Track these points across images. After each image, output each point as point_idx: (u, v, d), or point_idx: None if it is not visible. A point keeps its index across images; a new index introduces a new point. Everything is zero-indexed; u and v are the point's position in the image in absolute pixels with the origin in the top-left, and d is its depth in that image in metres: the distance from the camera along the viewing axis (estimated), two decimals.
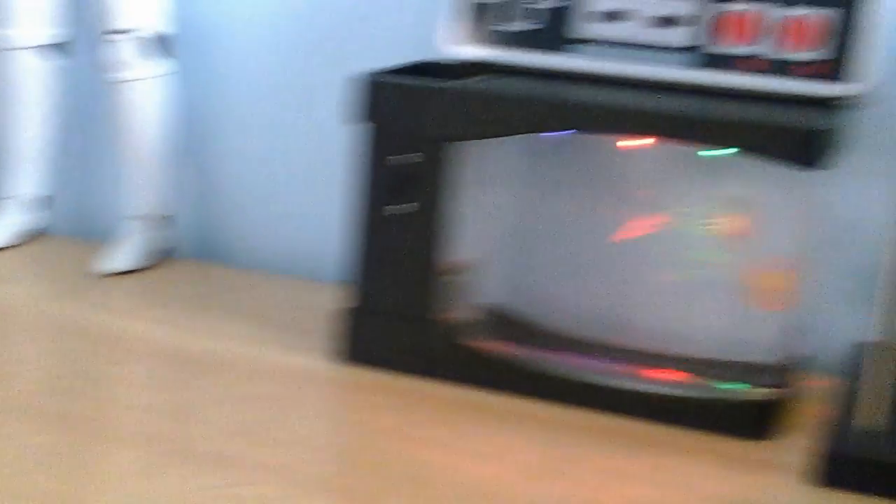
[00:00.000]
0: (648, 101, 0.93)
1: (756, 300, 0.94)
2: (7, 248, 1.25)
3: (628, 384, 0.94)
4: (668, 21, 0.98)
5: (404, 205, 0.96)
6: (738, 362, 0.95)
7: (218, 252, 1.31)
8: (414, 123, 0.95)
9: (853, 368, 0.97)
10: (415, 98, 0.95)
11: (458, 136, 0.94)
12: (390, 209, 0.97)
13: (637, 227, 0.97)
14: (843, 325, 1.05)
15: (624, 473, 0.84)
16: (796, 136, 0.86)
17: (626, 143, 0.95)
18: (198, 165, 1.29)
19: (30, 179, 1.26)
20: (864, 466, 0.82)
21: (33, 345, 1.06)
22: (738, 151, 0.87)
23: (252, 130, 1.26)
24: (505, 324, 1.03)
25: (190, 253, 1.29)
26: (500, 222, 1.02)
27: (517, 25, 1.01)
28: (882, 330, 0.83)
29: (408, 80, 0.96)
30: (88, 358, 1.00)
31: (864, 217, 1.03)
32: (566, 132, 0.93)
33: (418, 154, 0.95)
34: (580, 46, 1.00)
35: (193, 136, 1.28)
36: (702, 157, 0.92)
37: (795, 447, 0.89)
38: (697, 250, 0.96)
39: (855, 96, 0.93)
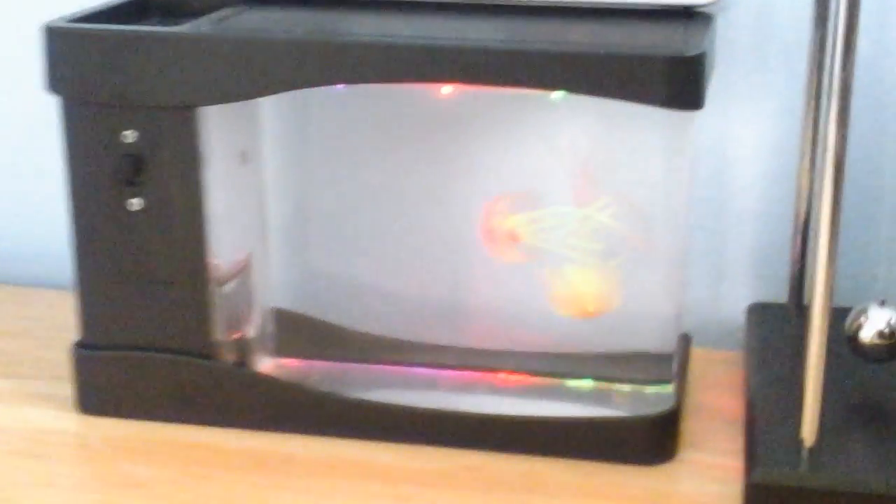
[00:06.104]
0: (447, 33, 0.69)
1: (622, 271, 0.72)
2: None
3: (480, 405, 0.70)
4: None
5: (129, 199, 0.70)
6: (615, 354, 0.73)
7: None
8: (120, 88, 0.68)
9: (756, 342, 0.76)
10: (116, 51, 0.68)
11: (186, 101, 0.68)
12: (109, 205, 0.71)
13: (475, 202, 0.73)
14: (728, 288, 0.85)
15: None
16: (657, 68, 0.62)
17: (445, 89, 0.71)
18: None
19: None
20: (806, 495, 0.62)
21: None
22: (578, 93, 0.63)
23: None
24: (301, 336, 0.78)
25: None
26: (281, 205, 0.77)
27: None
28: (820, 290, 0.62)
29: (105, 27, 0.69)
30: None
31: (732, 153, 0.83)
32: (334, 85, 0.67)
33: (131, 130, 0.69)
34: None
35: None
36: (554, 100, 0.68)
37: (706, 468, 0.68)
38: (549, 218, 0.73)
39: (710, 2, 0.70)
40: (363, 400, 0.71)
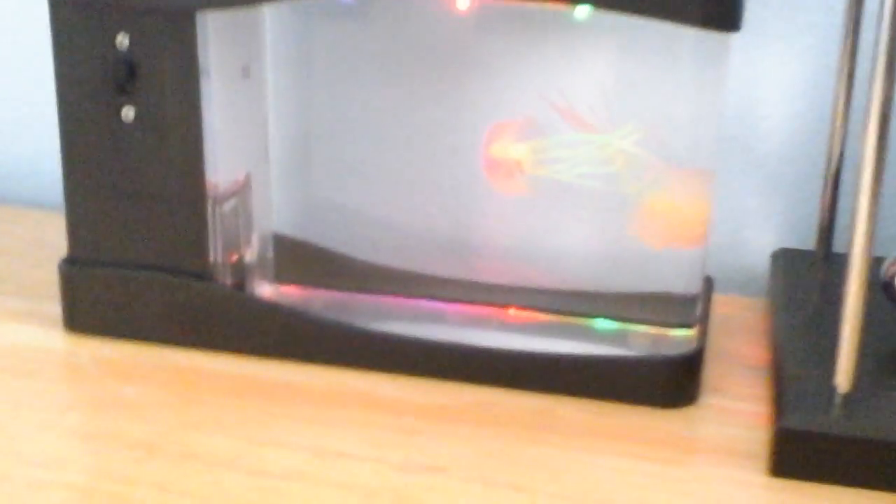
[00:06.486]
0: None
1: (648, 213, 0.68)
2: None
3: (491, 341, 0.67)
4: None
5: (122, 109, 0.66)
6: (637, 294, 0.69)
7: None
8: None
9: (782, 289, 0.72)
10: None
11: (183, 4, 0.64)
12: (101, 114, 0.67)
13: (484, 125, 0.69)
14: (751, 234, 0.81)
15: (493, 482, 0.58)
16: None
17: (460, 3, 0.66)
18: None
19: None
20: (838, 441, 0.58)
21: None
22: (608, 9, 0.59)
23: None
24: (301, 262, 0.74)
25: None
26: (283, 126, 0.73)
27: None
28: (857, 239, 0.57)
29: None
30: None
31: (760, 92, 0.78)
32: None
33: (125, 35, 0.65)
34: None
35: None
36: (578, 19, 0.64)
37: (728, 412, 0.64)
38: (566, 149, 0.68)
39: None
40: (367, 329, 0.67)
